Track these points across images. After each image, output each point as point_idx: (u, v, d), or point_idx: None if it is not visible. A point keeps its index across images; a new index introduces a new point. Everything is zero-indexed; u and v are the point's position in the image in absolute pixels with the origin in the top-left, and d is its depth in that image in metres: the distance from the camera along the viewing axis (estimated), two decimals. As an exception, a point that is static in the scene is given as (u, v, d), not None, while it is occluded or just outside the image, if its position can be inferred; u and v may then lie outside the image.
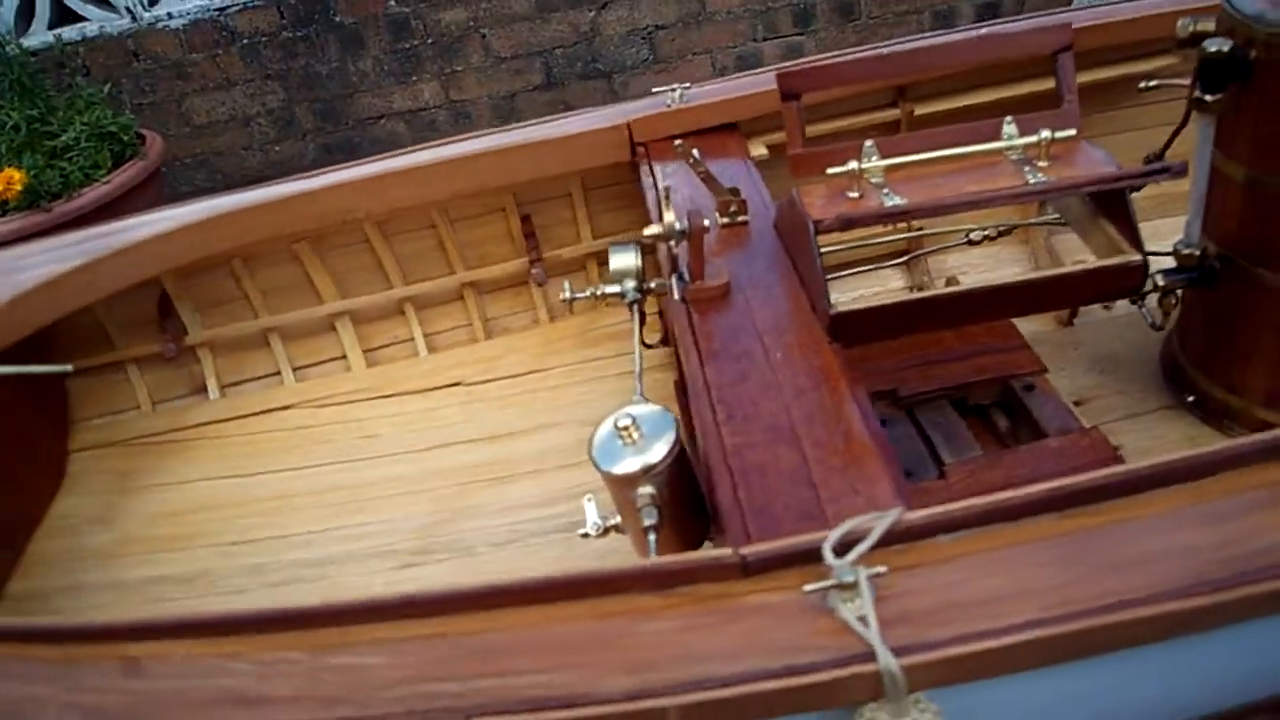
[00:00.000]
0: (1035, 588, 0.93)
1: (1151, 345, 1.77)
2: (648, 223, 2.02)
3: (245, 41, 3.87)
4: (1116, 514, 0.99)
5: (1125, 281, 1.37)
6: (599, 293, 1.71)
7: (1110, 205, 1.40)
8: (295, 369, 2.25)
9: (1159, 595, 0.90)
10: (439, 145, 2.06)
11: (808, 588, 0.95)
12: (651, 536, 1.25)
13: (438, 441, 2.02)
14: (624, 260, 1.77)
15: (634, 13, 3.99)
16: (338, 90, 4.01)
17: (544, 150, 1.97)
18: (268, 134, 4.10)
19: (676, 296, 1.51)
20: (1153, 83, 1.66)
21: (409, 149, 2.09)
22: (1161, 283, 1.49)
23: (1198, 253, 1.51)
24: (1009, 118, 1.46)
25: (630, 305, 1.65)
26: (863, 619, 0.92)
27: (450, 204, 2.10)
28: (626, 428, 1.28)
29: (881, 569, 0.95)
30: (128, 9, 3.75)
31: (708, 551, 1.06)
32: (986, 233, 1.79)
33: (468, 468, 1.94)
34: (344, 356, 2.25)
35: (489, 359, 2.19)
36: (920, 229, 2.01)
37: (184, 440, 2.16)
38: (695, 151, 1.56)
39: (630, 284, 1.73)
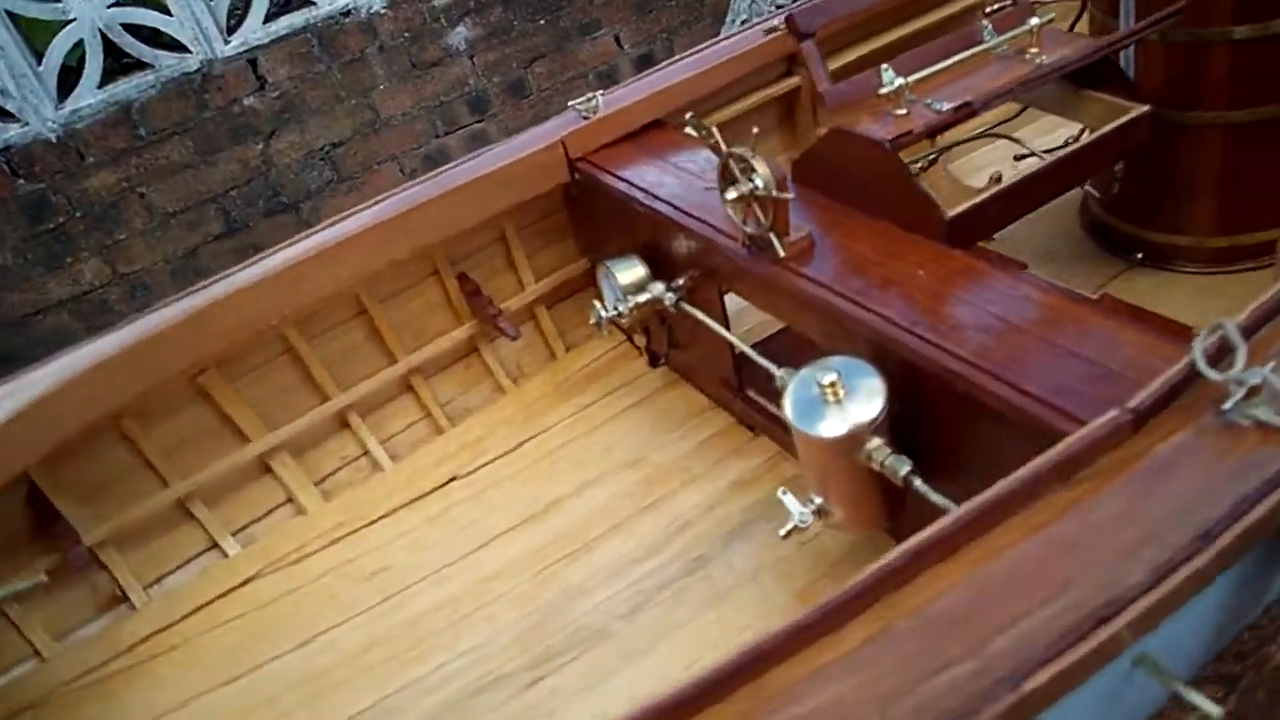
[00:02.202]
0: None
1: (1071, 234, 2.06)
2: (581, 254, 2.00)
3: None
4: None
5: (1139, 133, 1.63)
6: (624, 309, 1.74)
7: (1096, 75, 1.66)
8: (236, 533, 1.85)
9: None
10: (347, 216, 1.85)
11: (1227, 405, 0.97)
12: (917, 481, 1.24)
13: (473, 544, 1.79)
14: (632, 272, 1.75)
15: (305, 135, 3.85)
16: (-21, 294, 3.37)
17: (475, 192, 1.86)
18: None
19: (771, 258, 1.50)
20: (994, 6, 2.00)
21: (314, 229, 1.84)
22: None
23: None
24: (984, 21, 1.69)
25: (669, 308, 1.70)
26: None
27: (377, 280, 1.89)
28: (832, 384, 1.27)
29: (1271, 363, 0.99)
30: None
31: (1092, 425, 1.01)
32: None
33: (531, 555, 1.74)
34: (290, 500, 1.90)
35: (470, 444, 1.98)
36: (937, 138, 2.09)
37: (123, 672, 1.67)
38: (714, 129, 1.55)
39: (658, 287, 1.71)
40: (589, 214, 1.99)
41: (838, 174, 1.57)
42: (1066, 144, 2.02)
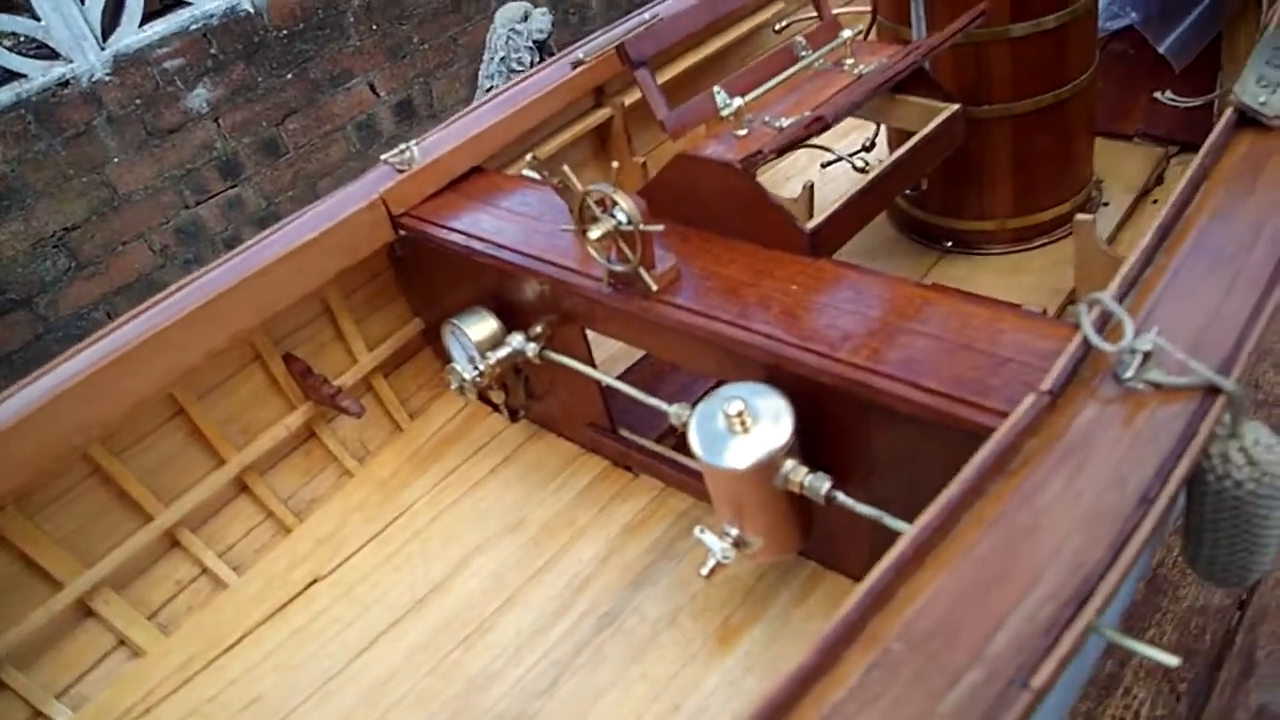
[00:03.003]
0: None
1: (884, 234, 2.19)
2: (414, 315, 1.91)
3: None
4: None
5: (955, 129, 1.74)
6: (484, 367, 1.68)
7: (908, 82, 1.76)
8: (62, 694, 1.61)
9: None
10: (147, 309, 1.66)
11: (1127, 374, 1.03)
12: (840, 495, 1.27)
13: (353, 650, 1.65)
14: (484, 327, 1.70)
15: (31, 222, 3.49)
16: None
17: (294, 264, 1.72)
18: None
19: (641, 292, 1.48)
20: (785, 22, 2.10)
21: (107, 328, 1.64)
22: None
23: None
24: (799, 39, 1.75)
25: (531, 359, 1.68)
26: (1184, 368, 1.02)
27: (193, 376, 1.71)
28: (740, 413, 1.29)
29: (1155, 327, 1.06)
30: None
31: (1017, 412, 1.04)
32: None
33: (422, 649, 1.63)
34: (122, 643, 1.68)
35: (325, 539, 1.83)
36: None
37: None
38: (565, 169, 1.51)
39: (517, 339, 1.67)
40: (420, 272, 1.89)
41: (689, 200, 1.57)
42: (865, 147, 2.14)
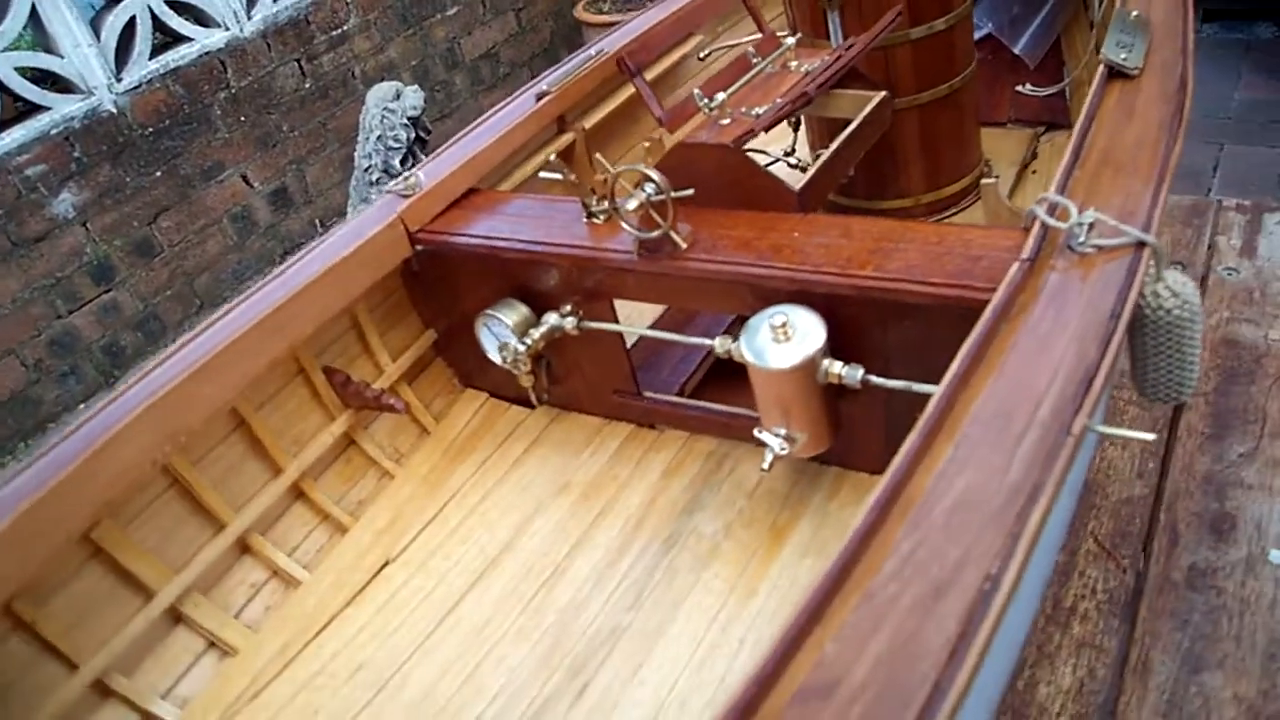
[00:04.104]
0: None
1: None
2: (426, 328, 2.24)
3: None
4: None
5: (886, 113, 2.26)
6: (530, 341, 2.01)
7: (843, 78, 2.26)
8: (166, 695, 1.79)
9: None
10: (207, 326, 1.92)
11: (1078, 241, 1.47)
12: (874, 378, 1.66)
13: (443, 610, 1.90)
14: (516, 312, 2.06)
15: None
16: None
17: (332, 280, 1.99)
18: None
19: (669, 254, 1.85)
20: (706, 51, 2.61)
21: (180, 341, 1.88)
22: None
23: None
24: (749, 49, 2.24)
25: (570, 331, 2.00)
26: (1117, 231, 1.50)
27: (254, 387, 1.97)
28: (784, 324, 1.71)
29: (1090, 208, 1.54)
30: None
31: (1009, 276, 1.42)
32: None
33: (508, 596, 1.89)
34: (213, 644, 1.88)
35: (384, 530, 2.08)
36: None
37: None
38: (599, 156, 1.90)
39: (552, 318, 2.03)
40: (437, 283, 2.21)
41: (688, 182, 1.96)
42: (787, 152, 2.65)
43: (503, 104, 2.47)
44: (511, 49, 5.43)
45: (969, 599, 1.02)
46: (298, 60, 4.49)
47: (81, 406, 3.98)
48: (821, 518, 1.90)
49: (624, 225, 1.86)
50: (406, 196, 2.16)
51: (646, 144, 1.78)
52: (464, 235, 2.10)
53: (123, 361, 4.11)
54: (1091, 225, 1.52)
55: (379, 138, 4.40)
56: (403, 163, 4.37)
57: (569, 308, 2.04)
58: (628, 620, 1.81)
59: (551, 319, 2.03)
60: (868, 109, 2.17)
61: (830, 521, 1.89)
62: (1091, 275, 1.45)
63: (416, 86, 4.43)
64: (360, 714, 1.76)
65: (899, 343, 1.75)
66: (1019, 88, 2.58)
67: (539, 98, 2.44)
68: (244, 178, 4.40)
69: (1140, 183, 1.63)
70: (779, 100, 2.04)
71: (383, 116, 4.41)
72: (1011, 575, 1.03)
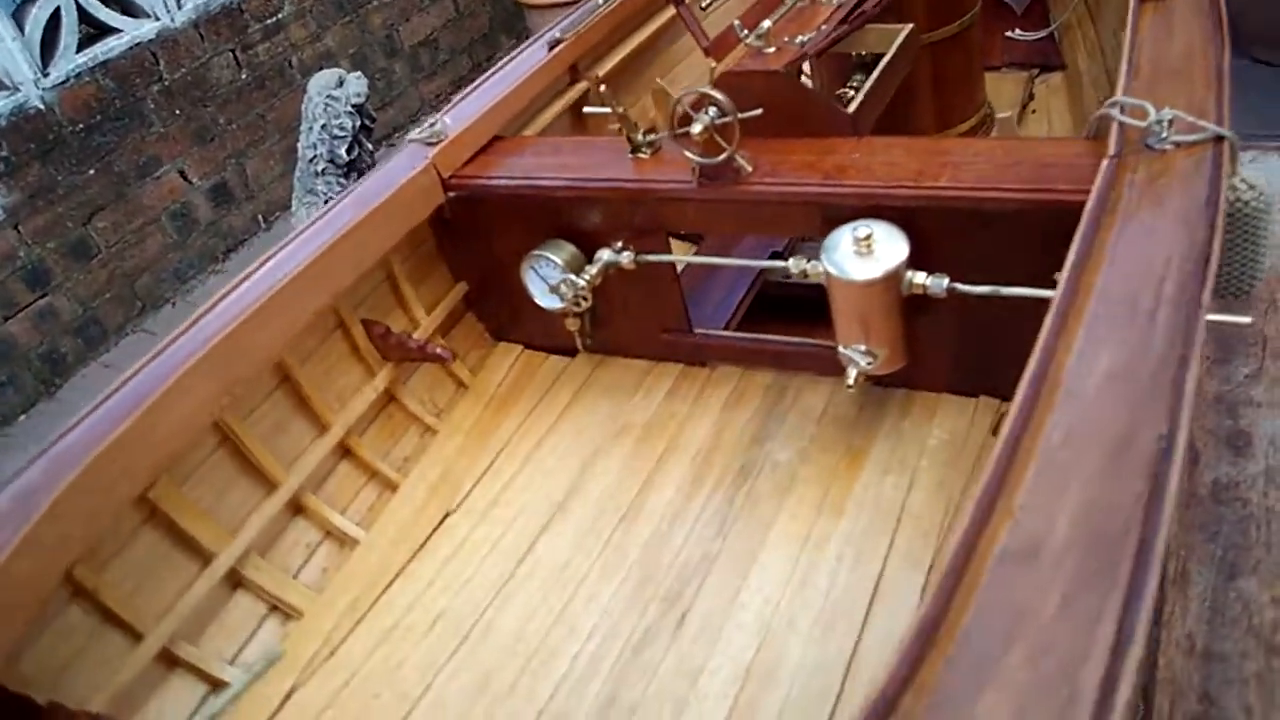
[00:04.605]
0: None
1: None
2: (456, 281, 2.19)
3: None
4: None
5: (914, 46, 2.29)
6: (588, 278, 1.96)
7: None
8: (233, 661, 1.71)
9: None
10: (252, 274, 1.83)
11: (1160, 138, 1.52)
12: (961, 286, 1.68)
13: (518, 554, 1.86)
14: (565, 250, 2.03)
15: None
16: None
17: (368, 229, 1.93)
18: None
19: (732, 179, 1.84)
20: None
21: (225, 289, 1.80)
22: None
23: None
24: None
25: (626, 265, 1.96)
26: (1194, 127, 1.55)
27: (299, 340, 1.89)
28: (868, 236, 1.72)
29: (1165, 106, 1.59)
30: None
31: (1103, 172, 1.47)
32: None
33: (586, 536, 1.86)
34: (276, 607, 1.80)
35: (437, 483, 2.02)
36: None
37: None
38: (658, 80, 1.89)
39: (606, 254, 2.00)
40: (470, 231, 2.16)
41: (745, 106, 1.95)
42: None
43: (514, 53, 2.44)
44: (450, 35, 5.37)
45: (1148, 457, 1.04)
46: (232, 50, 4.36)
47: (22, 417, 3.78)
48: (897, 437, 1.91)
49: (685, 152, 1.84)
50: (432, 144, 2.11)
51: (713, 65, 1.76)
52: (503, 178, 2.06)
53: (63, 369, 3.91)
54: (1171, 122, 1.57)
55: (323, 126, 4.29)
56: (348, 151, 4.28)
57: (619, 244, 2.01)
58: (716, 548, 1.79)
59: (605, 255, 1.99)
60: (899, 40, 2.20)
61: (906, 440, 1.90)
62: (1174, 169, 1.50)
63: (360, 74, 4.34)
64: (448, 662, 1.70)
65: (976, 251, 1.77)
66: (1009, 33, 2.66)
67: (551, 46, 2.41)
68: (182, 173, 4.25)
69: (1201, 86, 1.69)
70: (824, 28, 2.05)
71: (326, 105, 4.31)
72: (1183, 435, 1.05)
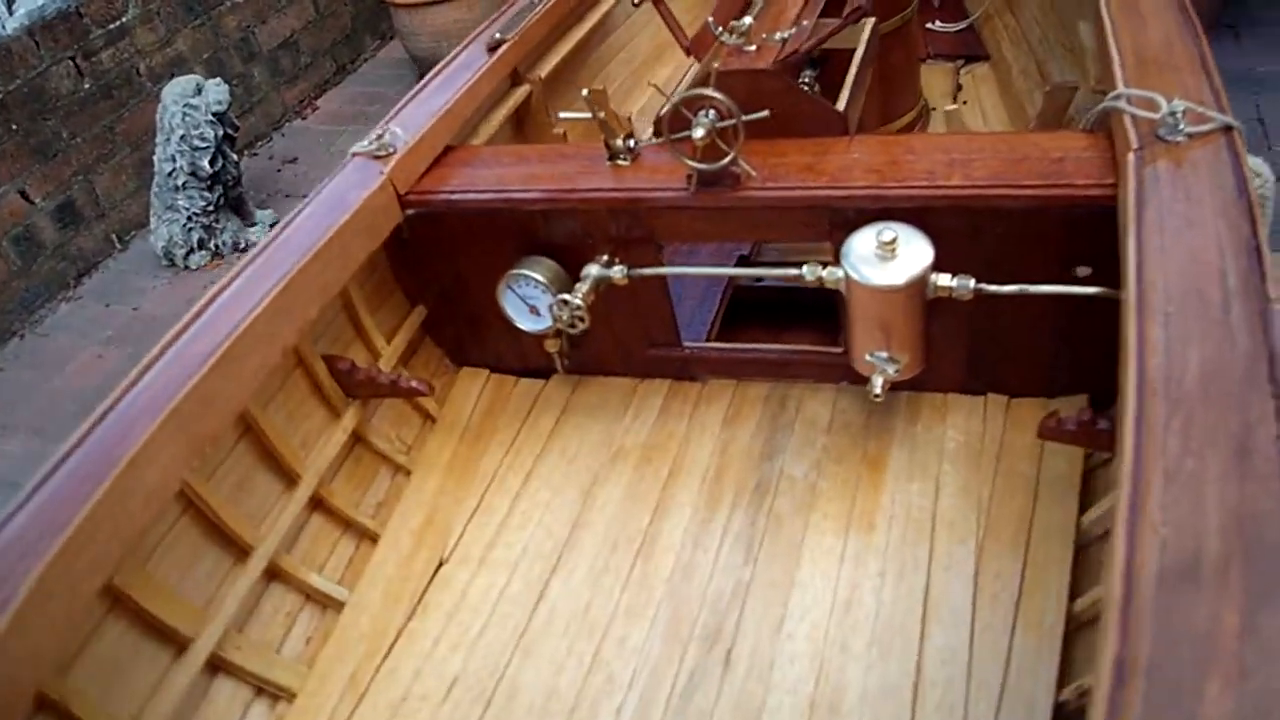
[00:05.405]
0: None
1: None
2: (413, 305, 2.03)
3: None
4: None
5: (876, 40, 2.24)
6: (579, 297, 1.79)
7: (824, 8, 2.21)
8: None
9: None
10: (188, 325, 1.60)
11: (1179, 127, 1.50)
12: (989, 286, 1.63)
13: (529, 602, 1.71)
14: (547, 268, 1.89)
15: None
16: None
17: (328, 257, 1.72)
18: None
19: (730, 185, 1.75)
20: None
21: (178, 330, 1.58)
22: None
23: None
24: None
25: (617, 280, 1.83)
26: (1203, 118, 1.55)
27: (262, 385, 1.68)
28: (892, 241, 1.65)
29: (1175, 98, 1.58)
30: None
31: (1131, 161, 1.47)
32: None
33: (601, 574, 1.73)
34: (261, 689, 1.60)
35: (420, 531, 1.84)
36: None
37: None
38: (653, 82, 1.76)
39: (594, 269, 1.86)
40: (430, 250, 1.98)
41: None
42: None
43: (450, 57, 2.27)
44: (311, 36, 5.07)
45: (1272, 457, 1.01)
46: (72, 58, 3.98)
47: None
48: (912, 442, 1.86)
49: (682, 158, 1.73)
50: (382, 157, 1.91)
51: (716, 65, 1.65)
52: (468, 192, 1.89)
53: (-99, 419, 3.48)
54: (1184, 113, 1.56)
55: (182, 137, 3.98)
56: (211, 163, 4.00)
57: (606, 258, 1.88)
58: (747, 575, 1.69)
59: (594, 270, 1.85)
60: (865, 34, 2.15)
61: (921, 444, 1.85)
62: (1191, 161, 1.49)
63: (219, 80, 4.06)
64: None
65: (989, 250, 1.73)
66: (929, 25, 2.65)
67: (491, 49, 2.26)
68: (22, 193, 3.86)
69: (1190, 75, 1.69)
70: (804, 23, 1.97)
71: (184, 114, 3.99)
72: None
